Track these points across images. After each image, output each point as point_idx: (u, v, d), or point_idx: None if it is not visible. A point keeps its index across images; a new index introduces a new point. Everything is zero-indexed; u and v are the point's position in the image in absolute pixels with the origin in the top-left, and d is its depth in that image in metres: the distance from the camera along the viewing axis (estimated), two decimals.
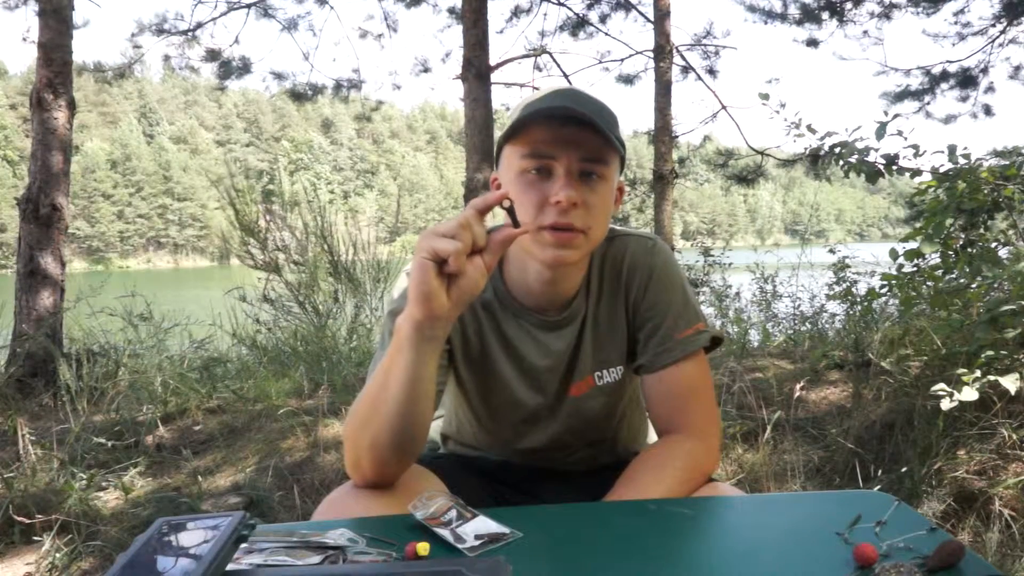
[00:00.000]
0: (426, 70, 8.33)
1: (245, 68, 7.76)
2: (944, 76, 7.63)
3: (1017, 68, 7.49)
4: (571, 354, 1.06)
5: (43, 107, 4.23)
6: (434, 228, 0.79)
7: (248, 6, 7.27)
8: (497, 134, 1.06)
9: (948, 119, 7.75)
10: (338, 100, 8.67)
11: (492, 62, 5.59)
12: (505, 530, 0.76)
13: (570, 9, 8.10)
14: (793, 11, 7.42)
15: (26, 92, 9.75)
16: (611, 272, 1.06)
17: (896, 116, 2.82)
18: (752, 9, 7.52)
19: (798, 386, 2.71)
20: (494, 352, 1.06)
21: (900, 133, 2.79)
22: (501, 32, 8.44)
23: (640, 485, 0.94)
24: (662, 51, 6.49)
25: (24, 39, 5.73)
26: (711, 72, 7.88)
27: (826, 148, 3.05)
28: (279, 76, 8.24)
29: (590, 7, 8.16)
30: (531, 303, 1.05)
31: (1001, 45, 7.34)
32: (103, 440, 2.88)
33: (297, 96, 8.35)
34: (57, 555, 2.11)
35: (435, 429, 1.24)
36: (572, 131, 0.91)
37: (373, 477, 0.92)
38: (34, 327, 4.09)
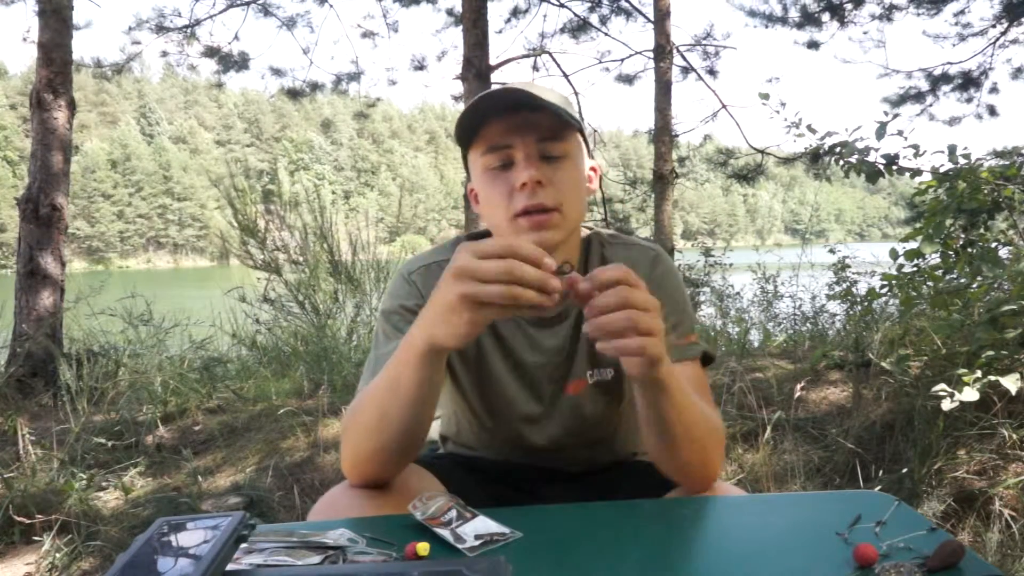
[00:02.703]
0: (422, 67, 8.32)
1: (243, 64, 7.76)
2: (945, 78, 7.62)
3: (1018, 69, 7.47)
4: (566, 352, 1.06)
5: (43, 107, 4.23)
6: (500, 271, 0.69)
7: (247, 3, 7.25)
8: None
9: (952, 120, 7.73)
10: (337, 95, 8.66)
11: (492, 62, 5.59)
12: (505, 530, 0.76)
13: (571, 11, 8.10)
14: (793, 14, 7.42)
15: (26, 92, 9.74)
16: None
17: (896, 116, 2.83)
18: (752, 14, 7.52)
19: (798, 386, 2.71)
20: (488, 349, 1.06)
21: (900, 133, 2.80)
22: (500, 32, 8.43)
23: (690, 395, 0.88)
24: (662, 51, 6.48)
25: (24, 39, 5.74)
26: (711, 72, 7.86)
27: (826, 148, 3.05)
28: (278, 72, 8.25)
29: (591, 9, 8.16)
30: None
31: (1002, 46, 7.33)
32: (103, 440, 2.88)
33: (295, 94, 8.34)
34: (57, 555, 2.11)
35: (434, 430, 1.24)
36: (523, 116, 0.92)
37: (375, 478, 0.92)
38: (34, 327, 4.09)
